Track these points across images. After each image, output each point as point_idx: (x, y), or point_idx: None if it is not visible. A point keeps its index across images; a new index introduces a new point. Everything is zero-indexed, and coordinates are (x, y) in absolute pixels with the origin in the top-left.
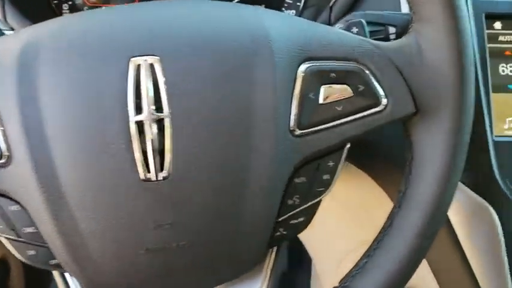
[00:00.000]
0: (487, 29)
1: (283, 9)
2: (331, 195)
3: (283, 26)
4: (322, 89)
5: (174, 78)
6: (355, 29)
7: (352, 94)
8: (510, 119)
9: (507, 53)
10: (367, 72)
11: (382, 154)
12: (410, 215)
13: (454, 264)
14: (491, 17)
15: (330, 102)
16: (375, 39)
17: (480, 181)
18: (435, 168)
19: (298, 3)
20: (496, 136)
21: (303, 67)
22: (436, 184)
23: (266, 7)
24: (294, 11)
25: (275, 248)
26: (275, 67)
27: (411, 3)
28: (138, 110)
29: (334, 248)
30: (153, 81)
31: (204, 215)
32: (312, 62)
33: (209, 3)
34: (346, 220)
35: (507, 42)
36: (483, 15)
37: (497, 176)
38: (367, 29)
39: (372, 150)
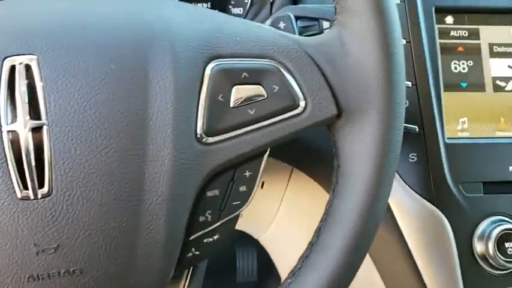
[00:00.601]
0: (438, 23)
1: (230, 7)
2: (289, 203)
3: (188, 18)
4: (234, 90)
5: (53, 81)
6: (282, 24)
7: (266, 96)
8: (463, 119)
9: (460, 49)
10: (283, 71)
11: (326, 159)
12: (336, 230)
13: (405, 275)
14: (442, 11)
15: (242, 105)
16: (308, 35)
17: (431, 187)
18: (362, 179)
19: (245, 0)
20: (448, 138)
21: (210, 66)
22: (364, 196)
23: (213, 4)
24: (241, 9)
25: (191, 269)
26: (176, 65)
27: None
28: (13, 118)
29: (298, 255)
30: (29, 84)
31: (93, 238)
32: (221, 60)
33: None
34: (307, 227)
35: (460, 37)
36: (433, 8)
37: (449, 181)
38: (297, 23)
39: (316, 155)
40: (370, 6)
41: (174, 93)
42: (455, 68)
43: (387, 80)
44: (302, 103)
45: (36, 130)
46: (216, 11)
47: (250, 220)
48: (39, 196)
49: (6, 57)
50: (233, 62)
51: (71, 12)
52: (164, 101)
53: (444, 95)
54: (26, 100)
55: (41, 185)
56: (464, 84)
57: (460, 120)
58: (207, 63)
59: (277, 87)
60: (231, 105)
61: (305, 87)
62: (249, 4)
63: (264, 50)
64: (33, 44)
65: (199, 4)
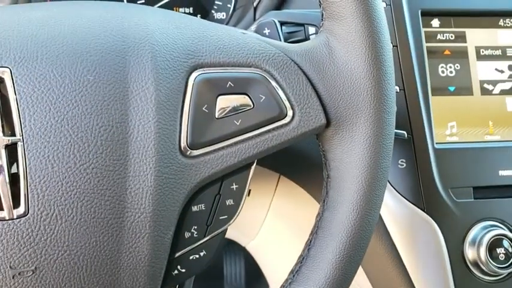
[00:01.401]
0: (424, 26)
1: (213, 11)
2: (276, 211)
3: (169, 25)
4: (218, 100)
5: (28, 94)
6: (267, 31)
7: (252, 105)
8: (452, 123)
9: (447, 52)
10: (270, 80)
11: (314, 166)
12: (327, 244)
13: (396, 283)
14: (428, 14)
15: (227, 116)
16: (293, 42)
17: (421, 193)
18: (353, 191)
19: (228, 5)
20: (437, 143)
21: (194, 75)
22: (355, 209)
23: (195, 10)
24: (224, 13)
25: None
26: (157, 75)
27: None
28: None
29: (286, 263)
30: (2, 98)
31: (73, 258)
32: (204, 69)
33: (79, 3)
34: (296, 235)
35: (446, 40)
36: (419, 11)
37: (439, 187)
38: (283, 29)
39: (304, 162)
40: (358, 12)
41: (155, 104)
42: (443, 72)
43: (377, 88)
44: (290, 112)
45: (11, 147)
46: (199, 17)
47: (237, 228)
48: (15, 216)
49: None
50: (217, 71)
51: (45, 22)
52: (145, 113)
53: (432, 99)
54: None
55: (17, 205)
56: (452, 88)
57: (448, 125)
58: (190, 73)
59: (263, 97)
60: (216, 116)
61: (292, 96)
62: (232, 9)
63: (249, 58)
64: (5, 56)
65: (181, 9)
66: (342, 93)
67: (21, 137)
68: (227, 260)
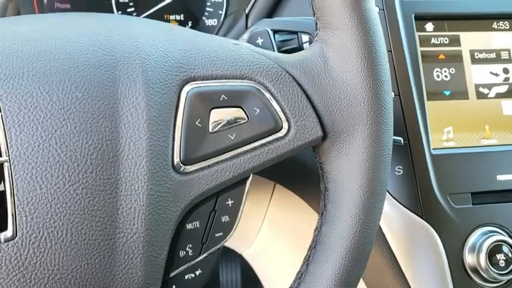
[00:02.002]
0: (418, 31)
1: (204, 18)
2: (272, 219)
3: (160, 37)
4: (212, 114)
5: (13, 113)
6: (259, 40)
7: (246, 119)
8: (448, 128)
9: (441, 56)
10: (264, 92)
11: (310, 175)
12: (326, 260)
13: None
14: (422, 18)
15: (221, 130)
16: (286, 51)
17: (419, 200)
18: (351, 205)
19: (219, 12)
20: (433, 149)
21: (186, 89)
22: (354, 222)
23: (186, 17)
24: (215, 20)
25: None
26: (148, 90)
27: (314, 7)
28: None
29: (283, 271)
30: None
31: (64, 283)
32: (197, 82)
33: (66, 15)
34: (292, 243)
35: (440, 44)
36: (413, 16)
37: (437, 193)
38: (276, 38)
39: (300, 171)
40: (353, 22)
41: (147, 120)
42: (438, 76)
43: (373, 99)
44: (285, 125)
45: None
46: (190, 24)
47: (233, 236)
48: (2, 240)
49: None
50: (210, 84)
51: (30, 36)
52: (137, 129)
53: (428, 104)
54: None
55: (4, 228)
56: (447, 92)
57: (444, 130)
58: (182, 86)
59: (258, 110)
60: (210, 130)
61: (287, 108)
62: (223, 15)
63: (242, 70)
64: None
65: (171, 16)
66: (338, 104)
67: (7, 157)
68: (223, 266)
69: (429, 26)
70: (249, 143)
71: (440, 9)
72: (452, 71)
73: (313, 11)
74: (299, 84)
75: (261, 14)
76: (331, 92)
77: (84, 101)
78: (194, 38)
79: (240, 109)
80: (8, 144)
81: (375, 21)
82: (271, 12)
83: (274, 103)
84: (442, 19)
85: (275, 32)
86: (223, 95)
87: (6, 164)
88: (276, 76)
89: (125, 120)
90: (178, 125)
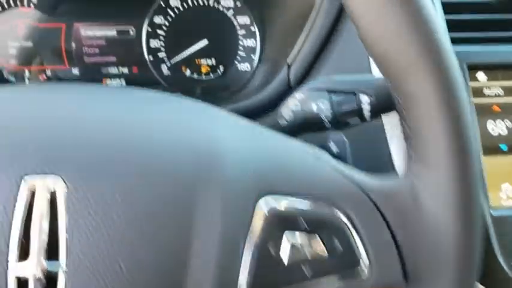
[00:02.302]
0: (471, 80)
1: (236, 62)
2: None
3: (241, 139)
4: (285, 236)
5: (80, 215)
6: (321, 105)
7: (324, 250)
8: (506, 185)
9: (495, 108)
10: (345, 221)
11: None
12: None
13: None
14: (474, 68)
15: (296, 263)
16: (345, 113)
17: (480, 266)
18: None
19: (252, 56)
20: (493, 210)
21: (263, 203)
22: None
23: (217, 60)
24: (248, 65)
25: None
26: (225, 209)
27: (410, 139)
28: (23, 253)
29: None
30: (50, 215)
31: None
32: (273, 196)
33: (139, 97)
34: None
35: (494, 95)
36: (465, 65)
37: (500, 259)
38: (332, 98)
39: None
40: (455, 164)
41: (218, 236)
42: (493, 130)
43: (464, 249)
44: (366, 263)
45: (50, 273)
46: (221, 68)
47: None
48: None
49: (25, 175)
50: (287, 204)
51: (105, 127)
52: (207, 245)
53: (484, 159)
54: (45, 235)
55: None
56: (504, 147)
57: (502, 186)
58: (258, 200)
59: (337, 241)
60: (281, 258)
61: (370, 246)
62: (256, 61)
63: (323, 192)
64: (59, 165)
65: (202, 60)
66: (425, 249)
67: (64, 264)
68: None
69: (481, 76)
70: (323, 276)
71: (494, 59)
72: (508, 123)
73: (409, 142)
74: (385, 219)
75: (305, 66)
76: (417, 232)
77: (159, 216)
78: (275, 142)
79: (317, 236)
80: (67, 250)
81: (475, 164)
82: (312, 64)
83: (356, 236)
84: (495, 68)
85: (330, 91)
86: (301, 218)
87: (61, 271)
88: (360, 205)
89: (196, 232)
90: (251, 243)
